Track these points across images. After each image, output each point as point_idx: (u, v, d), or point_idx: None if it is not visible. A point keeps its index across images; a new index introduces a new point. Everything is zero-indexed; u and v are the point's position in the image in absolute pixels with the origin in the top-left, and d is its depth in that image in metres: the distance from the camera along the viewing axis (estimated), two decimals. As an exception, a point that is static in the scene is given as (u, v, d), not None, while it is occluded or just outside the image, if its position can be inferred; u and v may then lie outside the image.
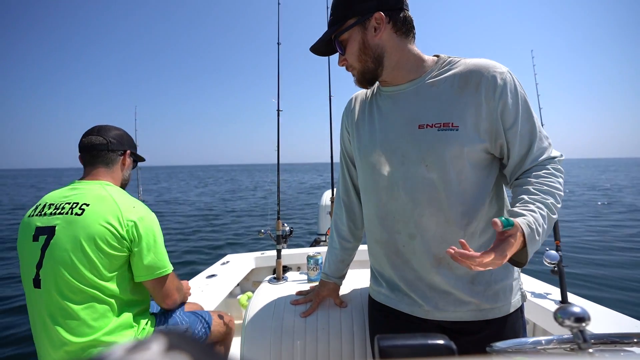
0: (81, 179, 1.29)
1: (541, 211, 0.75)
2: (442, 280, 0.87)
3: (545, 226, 0.74)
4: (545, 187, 0.78)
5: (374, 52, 0.87)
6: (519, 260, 0.75)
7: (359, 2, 0.85)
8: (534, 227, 0.71)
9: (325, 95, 2.53)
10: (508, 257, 0.68)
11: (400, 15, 0.86)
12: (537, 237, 0.72)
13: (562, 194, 0.80)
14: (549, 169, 0.82)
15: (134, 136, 1.92)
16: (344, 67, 0.95)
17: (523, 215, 0.73)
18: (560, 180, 0.81)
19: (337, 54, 0.95)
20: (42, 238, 1.14)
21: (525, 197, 0.78)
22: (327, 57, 2.40)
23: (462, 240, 0.69)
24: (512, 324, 0.90)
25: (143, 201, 1.48)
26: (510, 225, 0.68)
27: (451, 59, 0.89)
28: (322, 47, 0.96)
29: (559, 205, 0.79)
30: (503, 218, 0.68)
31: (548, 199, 0.77)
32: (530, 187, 0.79)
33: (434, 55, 0.93)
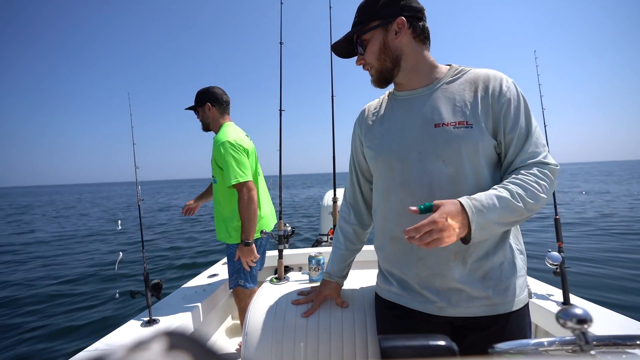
0: (227, 120, 2.10)
1: (498, 193, 0.80)
2: (456, 276, 0.90)
3: (498, 204, 0.78)
4: (518, 181, 0.82)
5: (393, 53, 0.94)
6: (466, 236, 0.79)
7: (383, 6, 0.93)
8: (479, 203, 0.77)
9: (328, 97, 2.53)
10: (441, 222, 0.72)
11: (420, 24, 0.94)
12: (481, 209, 0.77)
13: (539, 193, 0.82)
14: (532, 170, 0.85)
15: (131, 133, 1.88)
16: (361, 67, 1.02)
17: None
18: (542, 183, 0.83)
19: (344, 56, 1.04)
20: (254, 150, 2.10)
21: (494, 186, 0.83)
22: (328, 59, 2.40)
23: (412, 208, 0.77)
24: (521, 320, 0.92)
25: (142, 201, 1.85)
26: (427, 207, 0.76)
27: (462, 67, 0.96)
28: (343, 48, 1.03)
29: (530, 201, 0.81)
30: (420, 205, 0.76)
31: (515, 189, 0.80)
32: (505, 181, 0.84)
33: (447, 65, 0.99)
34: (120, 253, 1.79)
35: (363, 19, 0.95)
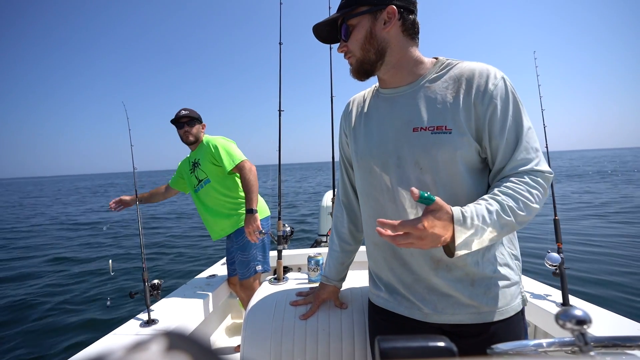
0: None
1: (489, 206, 0.73)
2: (441, 282, 0.87)
3: (489, 220, 0.72)
4: (510, 191, 0.76)
5: (379, 44, 0.87)
6: (451, 249, 0.73)
7: None
8: (468, 214, 0.71)
9: (327, 95, 2.53)
10: (424, 230, 0.67)
11: (410, 17, 0.87)
12: (469, 225, 0.70)
13: (531, 204, 0.76)
14: (524, 178, 0.78)
15: (129, 135, 2.05)
16: (343, 57, 0.94)
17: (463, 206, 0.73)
18: (535, 192, 0.77)
19: (330, 41, 0.97)
20: None
21: (484, 196, 0.77)
22: (328, 58, 2.40)
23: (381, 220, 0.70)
24: (513, 328, 0.88)
25: (139, 199, 2.09)
26: (428, 200, 0.67)
27: (449, 61, 0.89)
28: (325, 32, 0.95)
29: (521, 213, 0.75)
30: (423, 192, 0.68)
31: (506, 201, 0.74)
32: (495, 189, 0.78)
33: (433, 58, 0.93)
34: (110, 260, 1.80)
35: (351, 1, 0.87)
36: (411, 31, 0.88)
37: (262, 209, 2.29)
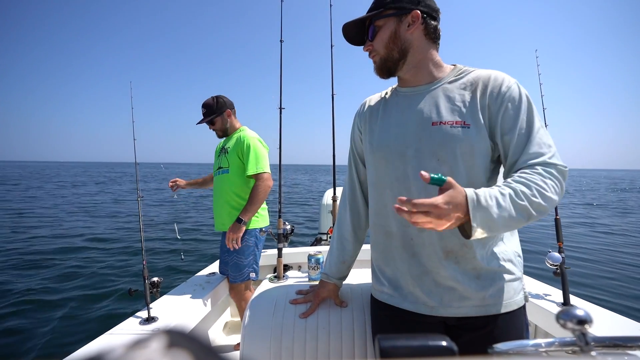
0: (240, 125, 2.33)
1: (502, 190, 0.76)
2: (448, 275, 0.89)
3: (502, 201, 0.73)
4: (522, 179, 0.78)
5: (402, 44, 0.95)
6: (467, 231, 0.74)
7: None
8: (481, 194, 0.73)
9: (328, 94, 2.54)
10: (441, 208, 0.67)
11: (433, 23, 0.95)
12: (483, 203, 0.72)
13: (546, 192, 0.77)
14: (536, 169, 0.80)
15: (131, 116, 2.03)
16: (365, 57, 1.02)
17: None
18: (550, 182, 0.78)
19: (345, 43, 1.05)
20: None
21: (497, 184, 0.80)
22: (329, 58, 2.40)
23: (402, 198, 0.69)
24: (515, 322, 0.91)
25: (142, 198, 2.02)
26: (440, 180, 0.69)
27: (466, 68, 0.96)
28: (353, 32, 1.02)
29: (536, 200, 0.76)
30: (433, 175, 0.69)
31: (519, 187, 0.76)
32: (508, 179, 0.80)
33: (452, 64, 0.99)
34: (175, 224, 1.82)
35: (379, 5, 0.96)
36: (433, 35, 0.96)
37: (263, 216, 2.26)
